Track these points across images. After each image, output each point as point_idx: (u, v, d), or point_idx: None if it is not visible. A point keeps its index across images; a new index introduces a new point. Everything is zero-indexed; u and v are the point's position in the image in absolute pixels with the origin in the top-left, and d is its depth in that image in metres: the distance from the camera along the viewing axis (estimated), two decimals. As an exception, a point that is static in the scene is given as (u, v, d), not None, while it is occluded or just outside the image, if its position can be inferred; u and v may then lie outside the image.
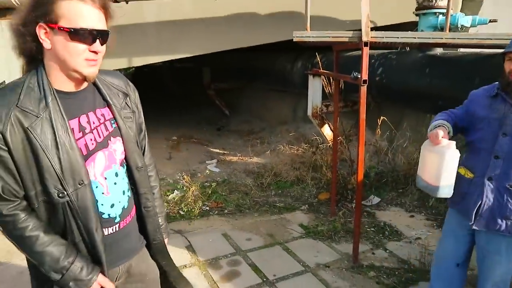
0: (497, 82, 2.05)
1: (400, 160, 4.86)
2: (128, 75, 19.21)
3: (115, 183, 1.34)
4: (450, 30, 3.35)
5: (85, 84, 1.29)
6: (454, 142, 1.95)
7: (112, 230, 1.36)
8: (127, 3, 4.64)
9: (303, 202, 4.57)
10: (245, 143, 7.26)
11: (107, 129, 1.31)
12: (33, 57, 1.21)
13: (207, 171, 5.66)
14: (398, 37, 2.85)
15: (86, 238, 1.27)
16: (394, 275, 3.10)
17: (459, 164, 2.02)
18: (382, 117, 4.83)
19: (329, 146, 5.29)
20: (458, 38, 2.86)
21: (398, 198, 4.56)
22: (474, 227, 2.07)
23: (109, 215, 1.33)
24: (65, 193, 1.20)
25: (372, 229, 3.90)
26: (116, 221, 1.36)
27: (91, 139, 1.27)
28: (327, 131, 5.33)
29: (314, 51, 5.71)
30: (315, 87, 4.96)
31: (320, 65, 4.89)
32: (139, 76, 15.73)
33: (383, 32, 2.89)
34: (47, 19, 1.14)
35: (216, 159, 6.27)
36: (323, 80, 4.80)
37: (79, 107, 1.27)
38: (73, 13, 1.14)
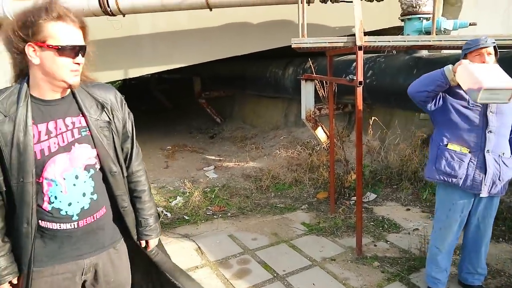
0: None
1: (392, 158, 5.08)
2: (115, 87, 19.28)
3: (74, 185, 1.48)
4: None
5: (64, 94, 1.49)
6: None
7: (70, 226, 1.49)
8: (123, 16, 4.80)
9: (302, 202, 4.75)
10: (240, 149, 7.42)
11: (73, 136, 1.47)
12: (21, 69, 1.43)
13: (207, 177, 5.80)
14: (389, 41, 3.07)
15: (19, 227, 1.44)
16: (397, 264, 3.29)
17: (448, 141, 2.33)
18: (373, 118, 5.06)
19: (324, 147, 5.50)
20: (444, 40, 3.10)
21: (393, 194, 4.78)
22: (482, 195, 2.41)
23: (66, 212, 1.47)
24: (9, 184, 1.39)
25: (372, 223, 4.09)
26: (73, 219, 1.49)
27: (54, 143, 1.44)
28: (320, 133, 5.54)
29: (304, 57, 5.93)
30: (307, 92, 5.16)
31: (313, 70, 5.10)
32: (127, 89, 15.79)
33: (375, 37, 3.11)
34: (36, 39, 1.34)
35: (213, 166, 6.41)
36: (315, 84, 5.01)
37: (51, 113, 1.45)
38: (59, 33, 1.36)
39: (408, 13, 4.35)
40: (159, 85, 13.71)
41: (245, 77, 7.85)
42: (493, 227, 2.72)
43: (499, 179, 2.40)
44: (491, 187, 2.41)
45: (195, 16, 5.30)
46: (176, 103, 12.82)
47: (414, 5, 4.29)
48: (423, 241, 3.45)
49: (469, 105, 2.39)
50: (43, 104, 1.44)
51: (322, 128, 5.52)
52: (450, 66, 2.33)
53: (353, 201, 4.63)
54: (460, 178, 2.43)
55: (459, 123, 2.41)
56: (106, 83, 1.69)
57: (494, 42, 2.40)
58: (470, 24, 4.16)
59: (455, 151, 2.42)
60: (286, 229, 4.05)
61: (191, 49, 5.47)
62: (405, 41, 3.09)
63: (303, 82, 5.13)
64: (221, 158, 6.93)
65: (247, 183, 5.47)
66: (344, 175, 4.97)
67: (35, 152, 1.39)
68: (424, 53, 4.55)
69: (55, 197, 1.45)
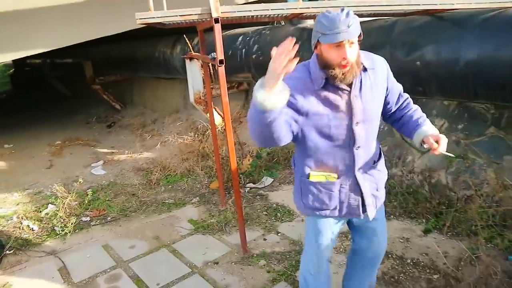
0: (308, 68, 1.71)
1: (289, 137, 4.80)
2: (6, 76, 17.21)
3: None
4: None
5: None
6: None
7: None
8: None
9: (194, 195, 4.31)
10: (137, 138, 6.77)
11: None
12: None
13: (93, 175, 5.14)
14: (251, 10, 2.64)
15: None
16: (285, 260, 2.99)
17: (311, 172, 1.86)
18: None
19: (219, 131, 5.06)
20: (312, 7, 2.73)
21: (291, 176, 4.50)
22: (370, 218, 1.93)
23: None
24: None
25: (265, 212, 3.77)
26: None
27: None
28: (214, 116, 5.09)
29: (193, 33, 5.38)
30: (193, 72, 4.67)
31: (190, 47, 4.58)
32: (19, 77, 14.07)
33: (234, 6, 2.66)
34: None
35: (103, 161, 5.73)
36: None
37: None
38: None
39: (287, -21, 3.96)
40: (54, 72, 12.36)
41: (137, 58, 7.10)
42: (385, 203, 2.43)
43: (377, 189, 1.92)
44: (377, 201, 1.94)
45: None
46: (76, 91, 11.65)
47: (293, -30, 3.90)
48: (312, 229, 3.18)
49: (325, 119, 1.70)
50: None
51: (216, 110, 5.06)
52: (259, 82, 1.45)
53: (248, 188, 4.29)
54: (327, 210, 1.90)
55: (316, 146, 1.77)
56: None
57: (358, 30, 1.56)
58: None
59: (322, 182, 1.84)
60: (170, 230, 3.61)
61: (54, 32, 4.67)
62: (268, 9, 2.67)
63: (187, 62, 4.62)
64: (114, 151, 6.25)
65: (136, 177, 4.91)
66: (240, 159, 4.60)
67: None
68: (309, 23, 4.23)
69: None
